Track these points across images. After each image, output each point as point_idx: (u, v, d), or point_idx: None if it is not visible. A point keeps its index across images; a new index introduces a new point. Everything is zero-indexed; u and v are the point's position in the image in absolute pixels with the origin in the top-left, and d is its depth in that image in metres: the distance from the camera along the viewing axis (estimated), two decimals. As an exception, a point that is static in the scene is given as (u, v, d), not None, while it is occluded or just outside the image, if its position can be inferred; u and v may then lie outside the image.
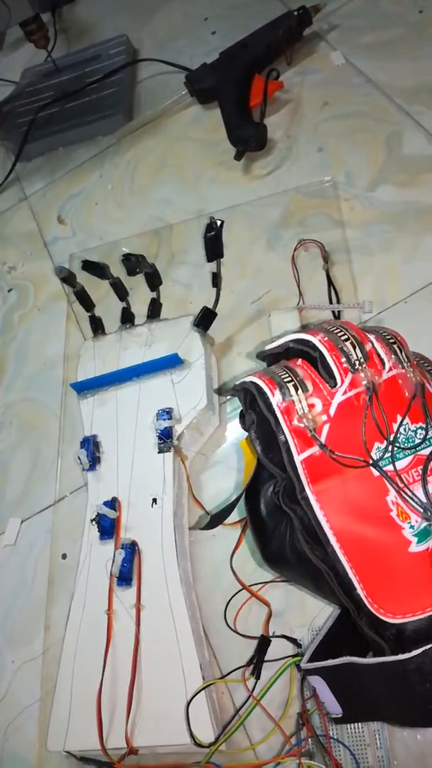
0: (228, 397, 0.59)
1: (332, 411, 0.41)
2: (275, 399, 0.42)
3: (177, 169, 0.75)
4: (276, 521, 0.45)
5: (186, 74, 0.79)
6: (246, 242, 0.65)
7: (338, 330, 0.43)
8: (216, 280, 0.59)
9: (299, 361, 0.44)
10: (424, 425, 0.41)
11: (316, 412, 0.41)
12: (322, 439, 0.41)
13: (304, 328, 0.57)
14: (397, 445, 0.40)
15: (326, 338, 0.43)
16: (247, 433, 0.46)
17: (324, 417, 0.41)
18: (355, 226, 0.63)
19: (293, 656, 0.45)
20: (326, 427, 0.41)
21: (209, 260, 0.57)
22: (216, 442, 0.58)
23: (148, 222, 0.72)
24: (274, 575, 0.49)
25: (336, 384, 0.41)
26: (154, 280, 0.63)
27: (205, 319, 0.59)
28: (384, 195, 0.64)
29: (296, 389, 0.42)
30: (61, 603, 0.55)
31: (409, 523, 0.40)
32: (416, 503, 0.40)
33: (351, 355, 0.41)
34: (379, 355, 0.42)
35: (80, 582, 0.53)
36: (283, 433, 0.41)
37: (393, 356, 0.43)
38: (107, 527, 0.53)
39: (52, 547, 0.58)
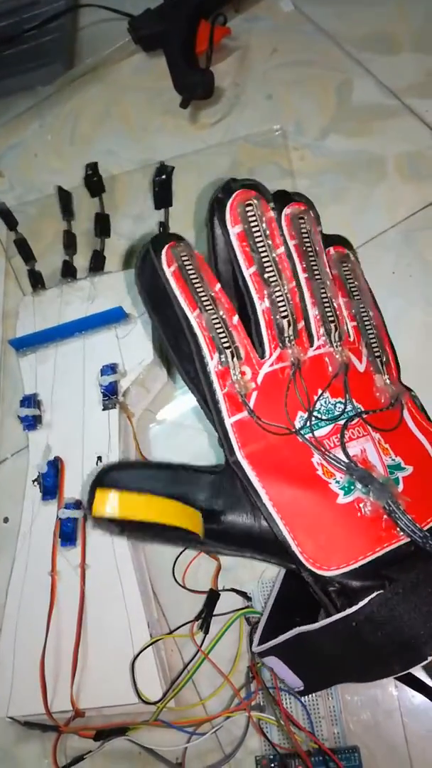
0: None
1: (259, 380, 0.43)
2: (213, 362, 0.43)
3: (121, 119, 0.72)
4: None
5: (129, 20, 0.75)
6: (194, 192, 0.63)
7: (281, 303, 0.44)
8: (164, 230, 0.56)
9: (235, 320, 0.45)
10: (342, 400, 0.43)
11: (246, 379, 0.43)
12: (251, 405, 0.42)
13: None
14: (317, 415, 0.43)
15: (269, 309, 0.44)
16: None
17: (252, 384, 0.43)
18: (305, 176, 0.61)
19: (242, 609, 0.44)
20: (254, 395, 0.43)
21: (157, 207, 0.55)
22: (164, 398, 0.56)
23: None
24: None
25: (264, 355, 0.44)
26: (104, 226, 0.60)
27: (150, 272, 0.57)
28: (334, 144, 0.62)
29: (232, 356, 0.43)
30: (3, 567, 0.52)
31: (335, 479, 0.41)
32: (339, 464, 0.41)
33: (284, 331, 0.44)
34: (310, 334, 0.44)
35: (23, 544, 0.51)
36: (216, 396, 0.43)
37: (324, 336, 0.45)
38: (50, 487, 0.51)
39: (-7, 511, 0.56)
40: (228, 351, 0.43)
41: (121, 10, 0.78)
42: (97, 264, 0.60)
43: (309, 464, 0.42)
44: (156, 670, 0.43)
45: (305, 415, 0.43)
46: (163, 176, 0.54)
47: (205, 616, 0.44)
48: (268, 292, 0.44)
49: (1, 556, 0.53)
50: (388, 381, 0.45)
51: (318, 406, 0.43)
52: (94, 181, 0.61)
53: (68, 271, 0.60)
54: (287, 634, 0.39)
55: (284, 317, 0.44)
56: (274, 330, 0.44)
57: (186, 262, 0.45)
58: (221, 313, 0.44)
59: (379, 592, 0.37)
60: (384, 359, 0.46)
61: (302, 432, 0.42)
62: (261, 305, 0.44)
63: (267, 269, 0.45)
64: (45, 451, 0.53)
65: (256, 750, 0.43)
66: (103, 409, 0.53)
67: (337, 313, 0.46)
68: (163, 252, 0.45)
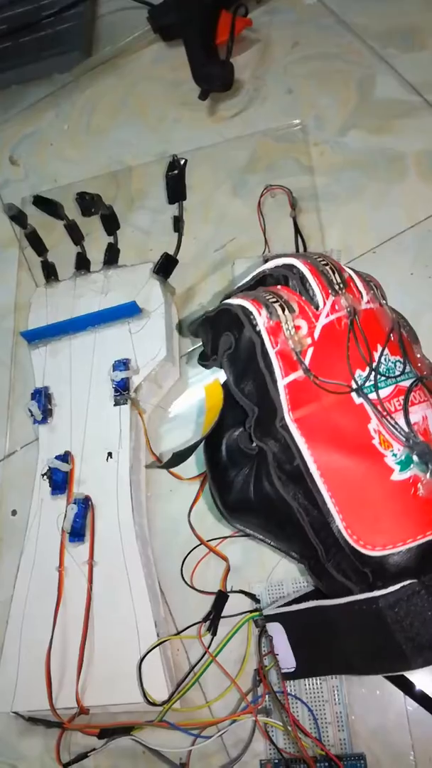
0: (194, 347, 0.56)
1: (316, 334, 0.39)
2: (262, 318, 0.39)
3: (138, 109, 0.71)
4: (238, 467, 0.43)
5: (149, 9, 0.74)
6: (210, 186, 0.62)
7: (317, 256, 0.42)
8: (178, 224, 0.56)
9: (279, 286, 0.42)
10: (401, 359, 0.40)
11: (302, 335, 0.39)
12: (306, 363, 0.39)
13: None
14: (379, 373, 0.39)
15: (307, 260, 0.41)
16: (210, 379, 0.45)
17: (308, 340, 0.39)
18: (324, 172, 0.60)
19: (251, 611, 0.44)
20: (310, 351, 0.39)
21: (171, 202, 0.54)
22: (175, 395, 0.55)
23: (106, 164, 0.68)
24: (232, 530, 0.48)
25: (319, 306, 0.40)
26: (111, 224, 0.59)
27: (165, 266, 0.56)
28: (354, 141, 0.61)
29: (283, 309, 0.40)
30: (10, 561, 0.52)
31: (392, 451, 0.38)
32: (398, 432, 0.38)
33: (332, 278, 0.40)
34: (356, 286, 0.41)
35: (30, 538, 0.50)
36: (268, 356, 0.39)
37: (371, 291, 0.42)
38: (59, 482, 0.51)
39: (1, 504, 0.55)
40: (276, 305, 0.40)
41: (141, -2, 0.78)
42: (112, 257, 0.59)
43: (365, 431, 0.38)
44: (162, 670, 0.43)
45: (364, 374, 0.39)
46: (176, 170, 0.52)
47: (213, 618, 0.44)
48: (305, 253, 0.43)
49: (9, 548, 0.53)
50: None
51: (379, 362, 0.39)
52: (86, 201, 0.59)
53: (82, 264, 0.60)
54: (304, 604, 0.38)
55: (325, 265, 0.41)
56: (322, 278, 0.40)
57: None
58: (262, 289, 0.42)
59: (412, 581, 0.35)
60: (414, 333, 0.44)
61: (365, 390, 0.39)
62: (299, 260, 0.41)
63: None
64: (55, 445, 0.53)
65: (261, 754, 0.42)
66: (115, 405, 0.52)
67: (373, 279, 0.44)
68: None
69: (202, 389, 0.46)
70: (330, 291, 0.40)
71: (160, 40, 0.75)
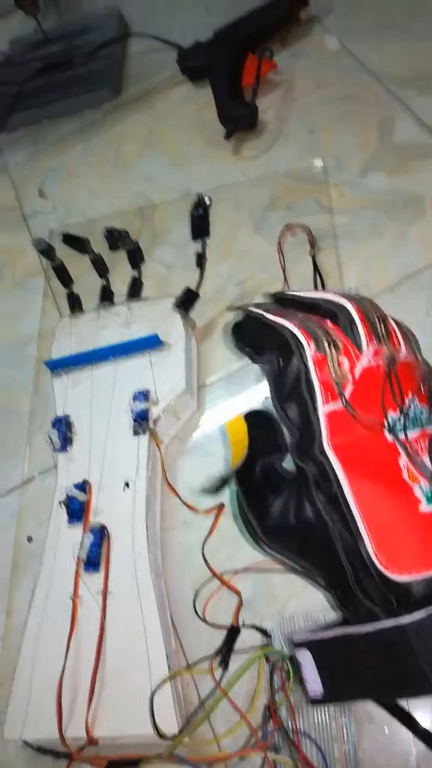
0: (211, 380, 0.57)
1: (357, 373, 0.43)
2: (310, 350, 0.44)
3: (164, 147, 0.73)
4: (276, 492, 0.46)
5: (178, 51, 0.77)
6: (232, 224, 0.64)
7: (366, 302, 0.47)
8: (201, 260, 0.57)
9: (329, 323, 0.46)
10: (428, 408, 0.44)
11: (344, 371, 0.43)
12: (346, 397, 0.43)
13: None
14: (408, 417, 0.43)
15: (358, 306, 0.46)
16: (230, 416, 0.50)
17: (349, 377, 0.43)
18: (343, 212, 0.61)
19: (262, 647, 0.44)
20: (349, 387, 0.43)
21: (194, 238, 0.56)
22: (193, 427, 0.56)
23: (131, 199, 0.70)
24: (245, 563, 0.48)
25: (362, 348, 0.44)
26: (136, 258, 0.61)
27: (187, 300, 0.58)
28: (374, 181, 0.62)
29: (329, 345, 0.44)
30: (25, 587, 0.53)
31: (419, 485, 0.41)
32: (425, 470, 0.41)
33: (377, 328, 0.45)
34: (397, 337, 0.46)
35: (46, 565, 0.51)
36: (313, 384, 0.43)
37: (408, 344, 0.46)
38: (76, 510, 0.51)
39: (17, 529, 0.56)
40: (324, 340, 0.44)
41: (170, 40, 0.80)
42: (135, 290, 0.61)
43: (395, 465, 0.42)
44: (173, 704, 0.43)
45: (396, 416, 0.43)
46: (200, 209, 0.55)
47: (224, 653, 0.44)
48: (355, 298, 0.47)
49: (24, 575, 0.54)
50: None
51: (409, 408, 0.43)
52: (114, 236, 0.61)
53: (106, 296, 0.61)
54: (332, 632, 0.39)
55: (373, 314, 0.45)
56: (368, 325, 0.45)
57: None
58: (314, 319, 0.46)
59: None
60: None
61: (395, 430, 0.43)
62: (349, 303, 0.46)
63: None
64: (73, 474, 0.54)
65: (268, 791, 0.42)
66: (134, 435, 0.53)
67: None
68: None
69: (224, 427, 0.50)
70: (374, 338, 0.44)
71: (187, 81, 0.77)
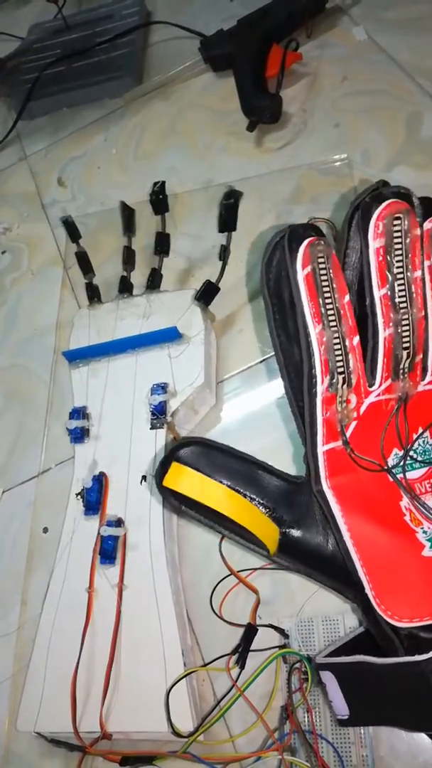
0: (230, 375, 0.57)
1: (362, 410, 0.41)
2: (322, 387, 0.41)
3: (186, 137, 0.72)
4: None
5: (201, 40, 0.75)
6: (254, 216, 0.63)
7: (406, 330, 0.41)
8: (224, 253, 0.56)
9: (356, 341, 0.42)
10: None
11: (350, 408, 0.41)
12: (348, 435, 0.41)
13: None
14: (413, 456, 0.41)
15: (392, 336, 0.41)
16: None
17: (354, 414, 0.41)
18: (368, 207, 0.60)
19: (280, 647, 0.44)
20: (353, 425, 0.41)
21: (221, 231, 0.55)
22: (211, 421, 0.56)
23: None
24: (263, 562, 0.47)
25: (374, 384, 0.41)
26: (163, 243, 0.60)
27: (207, 293, 0.57)
28: (401, 176, 0.61)
29: (343, 382, 0.41)
30: (40, 578, 0.52)
31: (422, 528, 0.39)
32: (427, 512, 0.39)
33: (400, 363, 0.41)
34: (425, 367, 0.42)
35: (61, 557, 0.51)
36: (316, 421, 0.41)
37: None
38: (93, 502, 0.51)
39: (33, 520, 0.56)
40: (341, 377, 0.41)
41: (193, 29, 0.79)
42: (155, 282, 0.60)
43: (397, 507, 0.40)
44: (188, 701, 0.43)
45: (401, 454, 0.41)
46: (231, 200, 0.54)
47: (242, 651, 0.43)
48: (395, 319, 0.41)
49: (39, 566, 0.54)
50: None
51: (416, 445, 0.41)
52: (159, 199, 0.61)
53: (125, 287, 0.61)
54: (350, 658, 0.38)
55: (405, 349, 0.41)
56: (391, 361, 0.42)
57: (321, 266, 0.41)
58: (344, 330, 0.41)
59: None
60: None
61: (394, 471, 0.41)
62: (384, 332, 0.42)
63: (399, 293, 0.41)
64: (90, 466, 0.53)
65: (284, 793, 0.42)
66: (151, 428, 0.52)
67: None
68: (301, 250, 0.41)
69: None
70: (392, 375, 0.41)
71: (210, 70, 0.76)
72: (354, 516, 0.39)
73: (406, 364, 0.41)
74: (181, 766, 0.43)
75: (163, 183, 0.63)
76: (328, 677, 0.39)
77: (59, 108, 0.82)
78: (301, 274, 0.41)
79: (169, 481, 0.41)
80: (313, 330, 0.41)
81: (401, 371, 0.41)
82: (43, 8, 0.93)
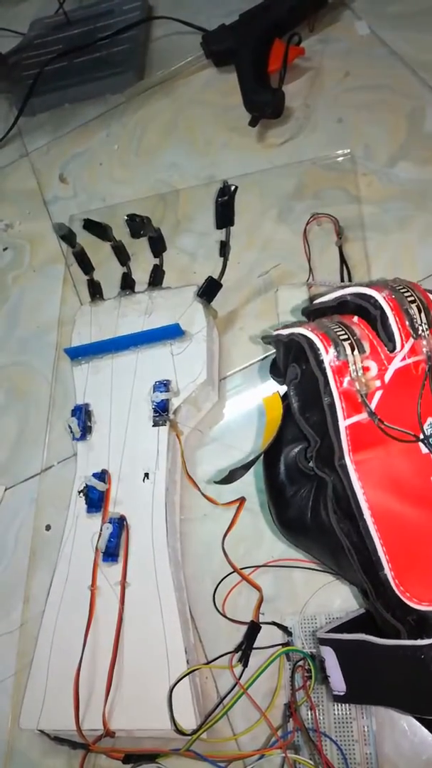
0: (233, 371, 0.56)
1: (387, 377, 0.38)
2: (328, 357, 0.38)
3: (187, 133, 0.72)
4: (297, 486, 0.43)
5: (203, 35, 0.75)
6: (256, 212, 0.62)
7: (404, 290, 0.39)
8: (224, 249, 0.56)
9: (355, 319, 0.40)
10: None
11: (370, 377, 0.38)
12: (373, 406, 0.37)
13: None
14: None
15: (392, 296, 0.39)
16: (269, 391, 0.45)
17: (377, 383, 0.38)
18: (371, 202, 0.60)
19: (283, 645, 0.43)
20: (378, 394, 0.38)
21: (218, 227, 0.55)
22: (213, 418, 0.55)
23: (154, 186, 0.69)
24: (266, 558, 0.47)
25: (395, 348, 0.38)
26: (158, 246, 0.60)
27: (209, 290, 0.56)
28: (403, 171, 0.61)
29: (352, 349, 0.38)
30: (42, 575, 0.52)
31: None
32: None
33: (415, 319, 0.38)
34: None
35: (64, 555, 0.51)
36: (331, 395, 0.38)
37: None
38: (95, 500, 0.51)
39: (35, 517, 0.56)
40: (346, 343, 0.38)
41: (195, 24, 0.79)
42: (157, 278, 0.60)
43: (427, 483, 0.37)
44: (191, 698, 0.42)
45: None
46: (226, 197, 0.53)
47: (245, 649, 0.43)
48: (386, 284, 0.40)
49: (41, 563, 0.53)
50: None
51: None
52: (135, 223, 0.58)
53: (127, 284, 0.60)
54: (352, 636, 0.37)
55: (412, 302, 0.39)
56: (404, 318, 0.39)
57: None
58: (336, 319, 0.40)
59: None
60: None
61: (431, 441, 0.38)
62: (382, 293, 0.39)
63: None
64: (92, 463, 0.53)
65: (287, 791, 0.42)
66: (153, 426, 0.52)
67: None
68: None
69: (261, 402, 0.46)
70: (411, 333, 0.38)
71: (212, 66, 0.76)
72: (378, 493, 0.37)
73: (423, 319, 0.39)
74: (184, 764, 0.43)
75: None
76: (327, 652, 0.39)
77: (61, 104, 0.82)
78: None
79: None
80: (300, 329, 0.41)
81: (420, 327, 0.38)
82: (44, 4, 0.93)
